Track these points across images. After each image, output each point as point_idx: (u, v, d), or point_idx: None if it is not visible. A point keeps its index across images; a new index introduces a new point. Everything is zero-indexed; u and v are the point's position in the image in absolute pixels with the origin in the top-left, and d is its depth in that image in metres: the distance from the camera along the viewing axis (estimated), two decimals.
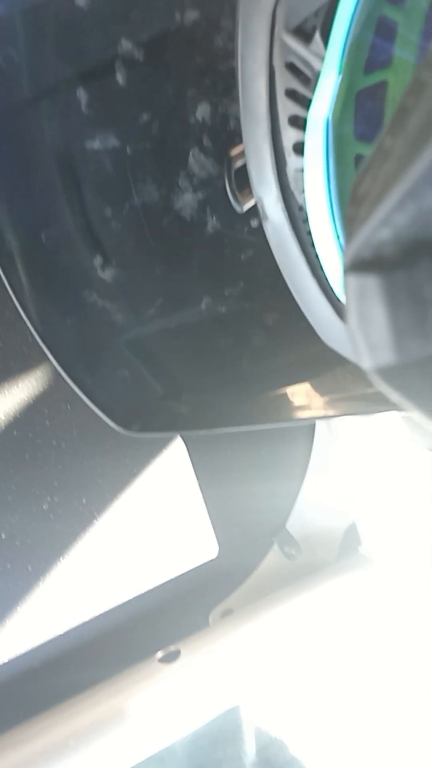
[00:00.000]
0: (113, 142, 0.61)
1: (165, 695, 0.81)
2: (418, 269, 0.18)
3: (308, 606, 0.94)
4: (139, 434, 0.69)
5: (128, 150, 0.62)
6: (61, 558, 0.86)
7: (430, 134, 0.16)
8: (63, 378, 0.80)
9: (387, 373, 0.22)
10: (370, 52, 0.43)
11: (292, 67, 0.44)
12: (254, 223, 0.64)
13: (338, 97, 0.42)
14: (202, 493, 0.96)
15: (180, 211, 0.62)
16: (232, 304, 0.64)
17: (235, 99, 0.47)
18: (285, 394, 0.63)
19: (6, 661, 0.83)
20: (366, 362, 0.22)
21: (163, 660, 0.86)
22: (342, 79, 0.42)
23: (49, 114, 0.61)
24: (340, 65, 0.41)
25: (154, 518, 0.92)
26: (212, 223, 0.62)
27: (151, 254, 0.64)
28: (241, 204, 0.57)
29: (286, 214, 0.48)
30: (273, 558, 1.01)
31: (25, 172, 0.62)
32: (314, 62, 0.43)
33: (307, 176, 0.45)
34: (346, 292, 0.20)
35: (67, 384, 0.85)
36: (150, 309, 0.67)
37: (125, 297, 0.66)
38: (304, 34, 0.42)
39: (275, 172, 0.47)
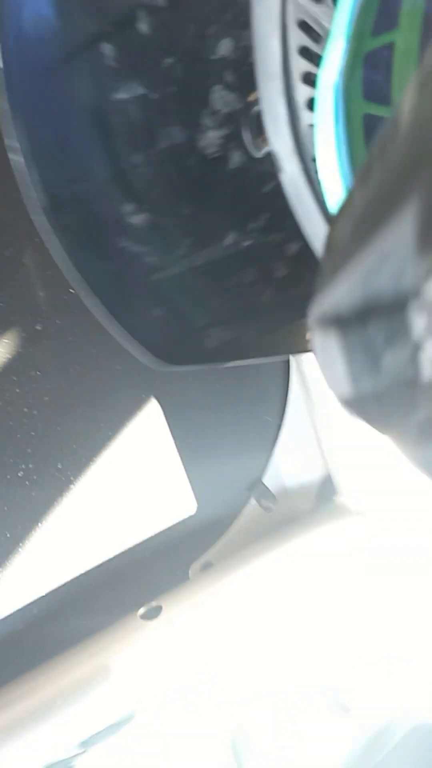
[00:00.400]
0: (139, 90, 0.62)
1: (148, 651, 0.83)
2: (369, 328, 0.19)
3: (286, 557, 0.96)
4: (175, 368, 0.71)
5: (153, 96, 0.63)
6: (39, 523, 0.86)
7: (381, 215, 0.16)
8: (39, 343, 0.79)
9: (348, 402, 0.25)
10: (378, 15, 0.44)
11: (304, 25, 0.45)
12: None
13: (347, 59, 0.43)
14: (179, 451, 0.96)
15: (204, 150, 0.64)
16: (256, 237, 0.66)
17: None
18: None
19: None
20: (333, 393, 0.27)
21: (144, 616, 0.88)
22: (350, 42, 0.43)
23: (78, 71, 0.61)
24: (349, 27, 0.42)
25: (131, 478, 0.93)
26: (235, 158, 0.63)
27: (179, 196, 0.67)
28: (258, 149, 0.60)
29: (300, 165, 0.49)
30: (250, 511, 1.03)
31: (59, 131, 0.63)
32: (325, 21, 0.44)
33: (318, 133, 0.46)
34: (313, 342, 0.24)
35: (35, 350, 0.84)
36: (179, 249, 0.69)
37: (156, 240, 0.68)
38: None
39: (290, 127, 0.48)
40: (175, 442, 0.96)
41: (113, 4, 0.59)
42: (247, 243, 0.66)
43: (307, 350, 0.69)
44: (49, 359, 0.85)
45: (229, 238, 0.66)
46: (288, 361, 1.01)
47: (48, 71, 0.60)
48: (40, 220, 0.62)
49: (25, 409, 0.84)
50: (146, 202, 0.66)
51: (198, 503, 0.98)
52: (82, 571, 0.90)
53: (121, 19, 0.59)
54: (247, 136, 0.60)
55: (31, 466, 0.85)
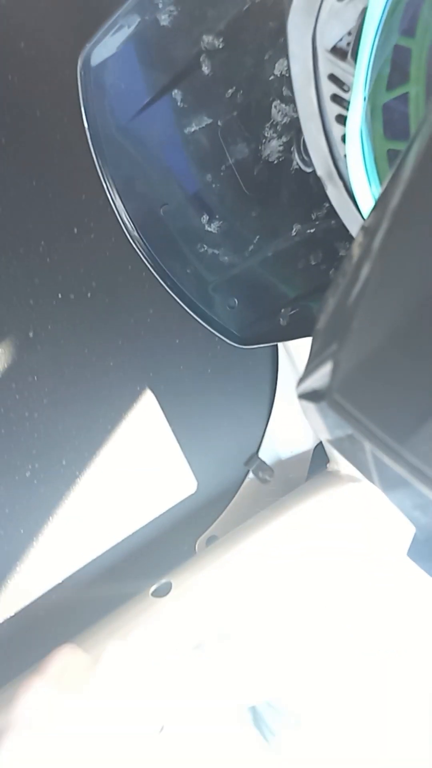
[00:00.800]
0: (206, 120, 0.72)
1: (160, 628, 0.89)
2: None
3: (286, 525, 1.02)
4: (252, 347, 0.87)
5: (219, 123, 0.72)
6: (49, 517, 0.92)
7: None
8: (33, 349, 0.83)
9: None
10: (391, 73, 0.55)
11: (333, 77, 0.55)
12: None
13: (367, 108, 0.54)
14: (176, 436, 1.01)
15: (268, 158, 0.73)
16: (320, 224, 0.75)
17: None
18: None
19: (12, 614, 0.91)
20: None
21: (155, 593, 0.94)
22: (368, 96, 0.53)
23: (153, 117, 0.73)
24: (366, 84, 0.52)
25: (133, 467, 0.98)
26: (296, 160, 0.72)
27: (247, 202, 0.77)
28: (309, 167, 0.69)
29: (341, 184, 0.61)
30: (249, 484, 1.08)
31: (141, 167, 0.77)
32: (350, 75, 0.53)
33: (351, 166, 0.57)
34: (301, 406, 0.33)
35: (31, 356, 0.87)
36: (250, 246, 0.80)
37: (229, 242, 0.81)
38: (340, 51, 0.53)
39: (330, 158, 0.60)
40: (172, 428, 1.00)
41: (180, 56, 0.68)
42: (311, 230, 0.76)
43: None
44: (44, 364, 0.88)
45: (294, 229, 0.77)
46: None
47: (128, 122, 0.73)
48: (133, 239, 0.81)
49: (26, 413, 0.88)
50: (219, 212, 0.79)
51: (198, 482, 1.03)
52: (93, 558, 0.96)
53: (187, 67, 0.69)
54: (300, 159, 0.71)
55: (37, 465, 0.90)
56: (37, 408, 0.89)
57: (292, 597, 0.99)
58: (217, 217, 0.79)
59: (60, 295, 0.88)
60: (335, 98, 0.56)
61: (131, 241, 0.81)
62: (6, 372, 0.86)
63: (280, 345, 1.04)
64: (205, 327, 0.86)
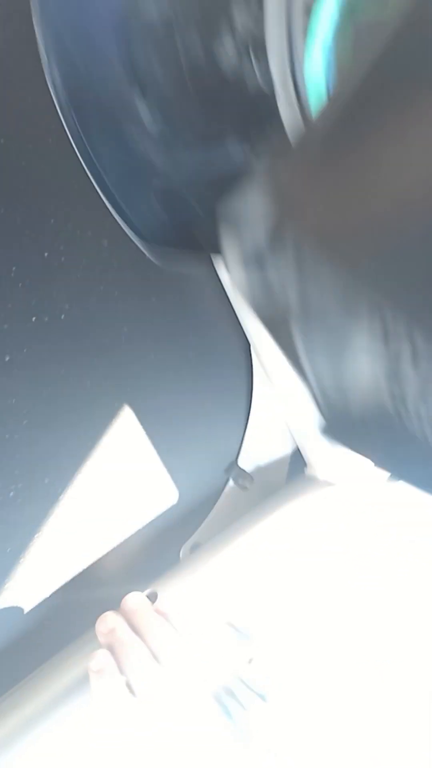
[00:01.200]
0: None
1: None
2: None
3: (266, 530, 1.05)
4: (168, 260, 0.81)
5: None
6: (35, 535, 0.94)
7: None
8: (10, 373, 0.85)
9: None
10: None
11: None
12: None
13: None
14: (156, 449, 1.03)
15: (219, 62, 0.64)
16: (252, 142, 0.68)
17: None
18: None
19: (2, 629, 0.93)
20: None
21: None
22: None
23: None
24: None
25: (114, 481, 1.00)
26: (249, 65, 0.62)
27: (188, 97, 0.68)
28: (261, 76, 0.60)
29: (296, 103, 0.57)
30: (230, 492, 1.11)
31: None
32: None
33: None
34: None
35: (8, 380, 0.89)
36: (185, 152, 0.72)
37: (161, 130, 0.71)
38: None
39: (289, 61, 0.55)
40: (152, 441, 1.03)
41: None
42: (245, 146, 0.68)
43: None
44: (22, 386, 0.91)
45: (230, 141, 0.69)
46: (249, 349, 1.07)
47: None
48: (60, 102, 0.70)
49: (7, 436, 0.91)
50: (156, 96, 0.69)
51: (180, 492, 1.06)
52: (81, 570, 0.98)
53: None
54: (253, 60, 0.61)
55: (20, 485, 0.92)
56: (18, 430, 0.91)
57: (276, 596, 1.02)
58: (152, 102, 0.69)
59: (34, 319, 0.91)
60: None
61: (59, 110, 0.70)
62: None
63: (254, 354, 1.07)
64: (117, 219, 0.78)
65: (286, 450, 1.14)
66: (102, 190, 0.76)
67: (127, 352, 0.99)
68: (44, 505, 0.95)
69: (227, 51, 0.62)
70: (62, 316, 0.93)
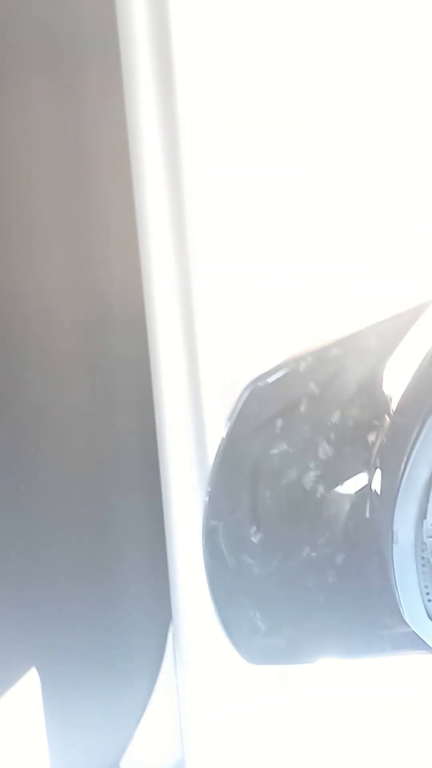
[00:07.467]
0: (284, 447, 0.89)
1: None
2: None
3: None
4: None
5: (290, 450, 0.89)
6: None
7: None
8: None
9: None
10: None
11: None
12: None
13: None
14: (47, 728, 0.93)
15: (305, 484, 0.88)
16: (321, 550, 0.87)
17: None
18: None
19: None
20: None
21: None
22: None
23: (254, 440, 0.91)
24: None
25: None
26: (320, 490, 0.88)
27: (284, 518, 0.90)
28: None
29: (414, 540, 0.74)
30: None
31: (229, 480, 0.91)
32: None
33: None
34: None
35: None
36: (275, 560, 0.90)
37: (262, 553, 0.90)
38: None
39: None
40: (46, 716, 0.93)
41: (288, 395, 0.88)
42: (313, 554, 0.88)
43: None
44: None
45: (306, 550, 0.89)
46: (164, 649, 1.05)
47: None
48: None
49: None
50: (263, 524, 0.89)
51: None
52: None
53: (291, 403, 0.88)
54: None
55: None
56: None
57: None
58: (260, 528, 0.90)
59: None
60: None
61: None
62: None
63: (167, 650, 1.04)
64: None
65: (170, 762, 1.05)
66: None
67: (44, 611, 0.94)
68: None
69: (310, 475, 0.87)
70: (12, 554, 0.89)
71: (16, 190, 0.90)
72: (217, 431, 0.95)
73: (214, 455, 0.91)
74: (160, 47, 0.94)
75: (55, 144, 0.95)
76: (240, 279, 1.03)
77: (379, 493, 0.83)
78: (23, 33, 0.91)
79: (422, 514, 0.72)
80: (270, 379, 0.89)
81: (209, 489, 0.90)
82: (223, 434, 0.90)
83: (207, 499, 0.91)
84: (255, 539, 0.89)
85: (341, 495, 0.89)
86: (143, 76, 0.96)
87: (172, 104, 0.95)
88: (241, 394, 0.89)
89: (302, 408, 0.87)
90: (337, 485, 0.90)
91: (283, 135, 1.02)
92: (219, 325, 1.03)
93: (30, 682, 0.92)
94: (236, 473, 0.89)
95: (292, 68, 1.02)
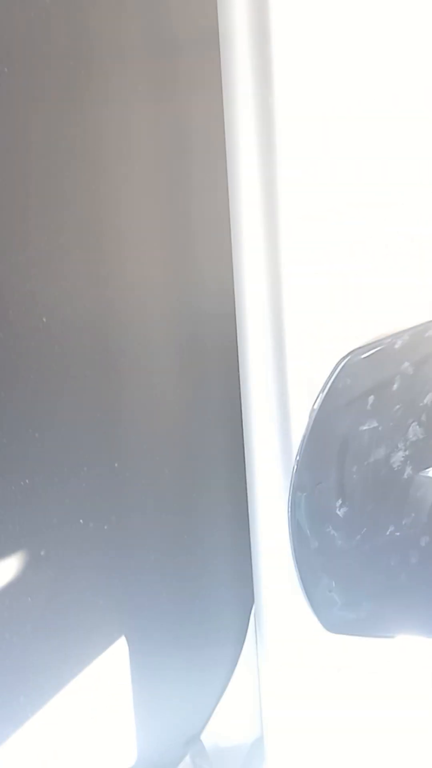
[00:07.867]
0: (374, 424, 0.90)
1: None
2: None
3: None
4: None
5: (380, 428, 0.90)
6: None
7: None
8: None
9: None
10: None
11: None
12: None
13: None
14: (133, 694, 0.95)
15: (393, 464, 0.89)
16: (405, 531, 0.88)
17: None
18: None
19: None
20: None
21: None
22: None
23: (344, 413, 0.93)
24: None
25: (83, 721, 0.90)
26: (408, 471, 0.88)
27: (369, 496, 0.91)
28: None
29: None
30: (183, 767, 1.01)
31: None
32: None
33: None
34: None
35: (34, 576, 0.85)
36: (358, 535, 0.91)
37: (347, 527, 0.91)
38: None
39: None
40: (133, 685, 0.95)
41: (382, 372, 0.90)
42: (397, 533, 0.89)
43: None
44: (44, 587, 0.86)
45: (390, 529, 0.89)
46: (246, 625, 1.07)
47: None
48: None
49: (7, 635, 0.83)
50: (349, 499, 0.91)
51: (138, 756, 0.96)
52: None
53: (384, 381, 0.90)
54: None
55: None
56: (19, 632, 0.84)
57: None
58: (346, 503, 0.91)
59: (81, 521, 0.89)
60: None
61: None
62: (5, 586, 0.83)
63: (250, 628, 1.06)
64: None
65: (248, 737, 1.07)
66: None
67: (133, 583, 0.97)
68: (10, 728, 0.83)
69: (398, 455, 0.88)
70: (105, 527, 0.92)
71: (115, 186, 0.95)
72: (301, 404, 0.99)
73: (301, 428, 0.94)
74: (260, 51, 0.97)
75: (153, 144, 0.99)
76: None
77: None
78: (125, 33, 0.96)
79: None
80: (364, 355, 0.92)
81: (297, 459, 0.93)
82: (315, 406, 0.93)
83: (295, 468, 0.93)
84: (340, 512, 0.92)
85: (429, 478, 0.90)
86: (242, 75, 0.99)
87: (269, 105, 0.98)
88: (335, 367, 0.92)
89: (395, 386, 0.89)
90: (425, 467, 0.90)
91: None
92: (308, 299, 1.02)
93: (119, 650, 0.95)
94: (325, 446, 0.92)
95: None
